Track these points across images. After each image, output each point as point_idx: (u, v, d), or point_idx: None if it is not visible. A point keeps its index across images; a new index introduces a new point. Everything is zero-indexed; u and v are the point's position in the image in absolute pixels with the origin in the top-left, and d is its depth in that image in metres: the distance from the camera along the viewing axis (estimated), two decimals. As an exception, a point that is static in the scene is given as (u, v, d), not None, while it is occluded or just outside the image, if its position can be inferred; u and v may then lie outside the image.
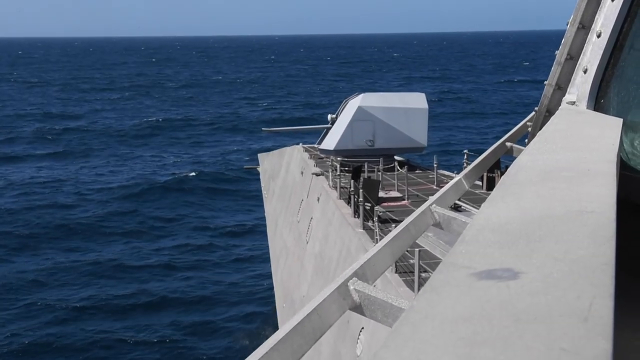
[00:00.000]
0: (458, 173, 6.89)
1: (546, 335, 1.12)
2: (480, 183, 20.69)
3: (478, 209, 2.14)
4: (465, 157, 22.27)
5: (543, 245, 1.57)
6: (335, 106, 30.97)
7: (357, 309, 2.60)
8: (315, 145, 30.52)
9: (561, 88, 4.70)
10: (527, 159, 2.69)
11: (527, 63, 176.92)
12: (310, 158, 29.23)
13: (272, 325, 26.08)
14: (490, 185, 19.87)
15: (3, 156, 60.78)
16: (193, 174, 54.49)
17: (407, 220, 3.35)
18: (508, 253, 1.54)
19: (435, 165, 23.88)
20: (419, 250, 12.45)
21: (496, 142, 5.94)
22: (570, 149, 2.81)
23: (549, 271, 1.40)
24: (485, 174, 19.79)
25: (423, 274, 12.49)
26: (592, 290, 1.29)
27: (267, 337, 2.16)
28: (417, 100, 28.44)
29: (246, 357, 2.10)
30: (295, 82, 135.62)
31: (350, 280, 2.63)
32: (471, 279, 1.39)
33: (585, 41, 4.51)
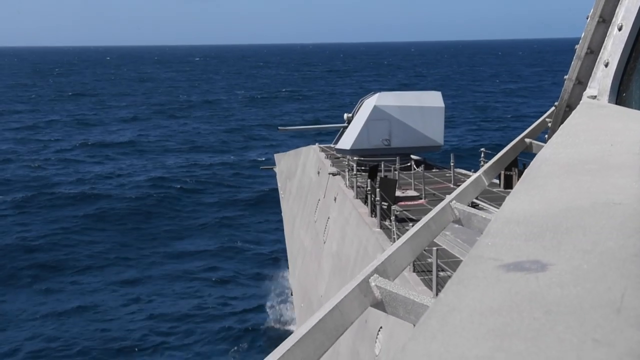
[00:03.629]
0: (475, 171, 6.84)
1: (578, 327, 1.10)
2: (497, 181, 20.58)
3: (496, 207, 2.12)
4: (482, 155, 22.14)
5: (570, 237, 1.55)
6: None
7: (379, 305, 2.58)
8: (332, 145, 30.52)
9: (581, 82, 4.65)
10: (550, 152, 2.65)
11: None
12: (327, 158, 29.23)
13: (291, 324, 26.12)
14: (508, 184, 19.76)
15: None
16: (209, 172, 54.81)
17: (428, 216, 3.32)
18: (535, 245, 1.51)
19: (452, 164, 23.78)
20: (437, 249, 12.39)
21: (515, 138, 5.89)
22: (593, 142, 2.77)
23: (577, 263, 1.38)
24: (502, 172, 19.68)
25: (441, 273, 12.42)
26: (624, 282, 1.26)
27: (285, 337, 2.15)
28: (433, 99, 28.31)
29: (268, 354, 2.09)
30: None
31: (372, 277, 2.61)
32: (499, 271, 1.36)
33: (606, 35, 4.45)
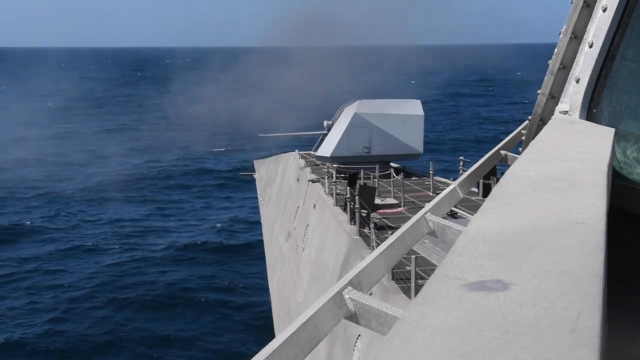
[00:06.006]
0: (454, 180, 6.93)
1: (534, 346, 1.15)
2: (476, 190, 20.73)
3: (473, 215, 2.17)
4: (461, 163, 22.30)
5: (533, 257, 1.60)
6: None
7: (352, 317, 2.62)
8: (312, 152, 30.56)
9: (554, 97, 4.74)
10: (519, 169, 2.72)
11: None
12: (307, 165, 29.27)
13: (269, 332, 26.05)
14: (486, 192, 19.90)
15: None
16: (192, 177, 54.49)
17: (402, 228, 3.38)
18: (499, 264, 1.57)
19: (431, 172, 23.93)
20: (416, 257, 12.47)
21: (491, 149, 5.98)
22: (561, 159, 2.84)
23: (538, 282, 1.43)
24: (481, 180, 19.85)
25: (419, 281, 12.50)
26: (580, 302, 1.32)
27: (263, 345, 2.18)
28: (413, 107, 28.53)
29: None
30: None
31: (346, 289, 2.66)
32: (462, 290, 1.41)
33: (578, 51, 4.55)
